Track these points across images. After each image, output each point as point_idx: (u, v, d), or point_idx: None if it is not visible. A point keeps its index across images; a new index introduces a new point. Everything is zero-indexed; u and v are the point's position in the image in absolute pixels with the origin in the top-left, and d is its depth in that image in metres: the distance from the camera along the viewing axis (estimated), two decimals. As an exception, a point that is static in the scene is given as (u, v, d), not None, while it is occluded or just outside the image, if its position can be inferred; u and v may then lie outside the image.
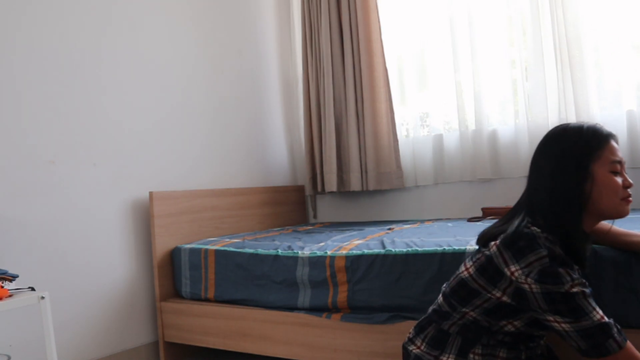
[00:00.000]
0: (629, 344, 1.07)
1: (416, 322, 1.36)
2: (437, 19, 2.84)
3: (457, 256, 1.60)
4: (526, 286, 1.09)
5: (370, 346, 1.71)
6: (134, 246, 2.30)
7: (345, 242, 1.99)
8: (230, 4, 2.96)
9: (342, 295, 1.79)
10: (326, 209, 3.27)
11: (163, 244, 2.30)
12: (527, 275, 1.09)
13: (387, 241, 1.88)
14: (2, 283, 1.53)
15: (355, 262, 1.78)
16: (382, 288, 1.72)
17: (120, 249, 2.25)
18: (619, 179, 1.17)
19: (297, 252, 1.94)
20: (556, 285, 1.07)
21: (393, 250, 1.74)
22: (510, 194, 2.61)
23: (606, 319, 1.07)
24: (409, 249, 1.71)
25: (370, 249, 1.80)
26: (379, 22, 2.88)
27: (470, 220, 2.43)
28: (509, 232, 1.14)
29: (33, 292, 1.58)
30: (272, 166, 3.15)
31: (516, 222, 1.17)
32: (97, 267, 2.15)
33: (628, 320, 1.32)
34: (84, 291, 2.10)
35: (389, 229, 2.33)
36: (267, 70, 3.18)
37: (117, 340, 2.20)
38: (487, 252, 1.17)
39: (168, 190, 2.40)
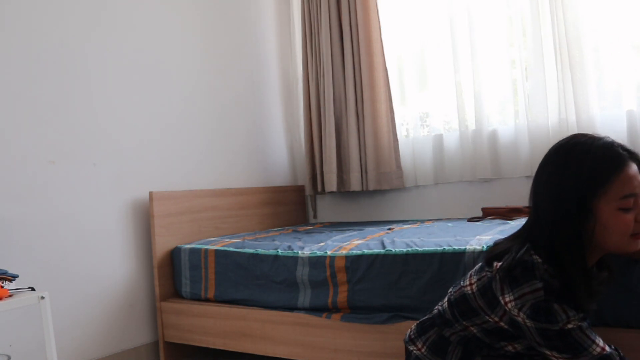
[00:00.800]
0: None
1: (417, 321, 1.34)
2: (437, 19, 2.83)
3: (457, 256, 1.60)
4: (519, 319, 1.04)
5: (370, 346, 1.71)
6: (134, 246, 2.30)
7: (345, 242, 1.99)
8: (230, 5, 2.96)
9: (342, 295, 1.79)
10: (326, 209, 3.27)
11: (163, 244, 2.30)
12: (519, 309, 1.03)
13: (387, 241, 1.88)
14: (2, 283, 1.53)
15: (355, 262, 1.78)
16: (382, 288, 1.72)
17: (120, 249, 2.25)
18: (629, 215, 1.03)
19: (297, 252, 1.94)
20: (549, 323, 1.01)
21: (393, 250, 1.74)
22: (510, 194, 2.61)
23: (607, 349, 1.02)
24: (409, 249, 1.71)
25: (370, 249, 1.80)
26: (379, 22, 2.88)
27: (470, 220, 2.43)
28: (509, 257, 1.07)
29: (33, 292, 1.58)
30: (272, 166, 3.15)
31: (518, 246, 1.09)
32: (97, 267, 2.15)
33: (628, 320, 1.32)
34: (84, 291, 2.10)
35: (389, 229, 2.33)
36: (267, 71, 3.18)
37: (117, 340, 2.20)
38: (489, 274, 1.12)
39: (168, 190, 2.40)
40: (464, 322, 1.17)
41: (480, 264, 1.20)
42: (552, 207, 1.08)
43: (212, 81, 2.79)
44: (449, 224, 2.32)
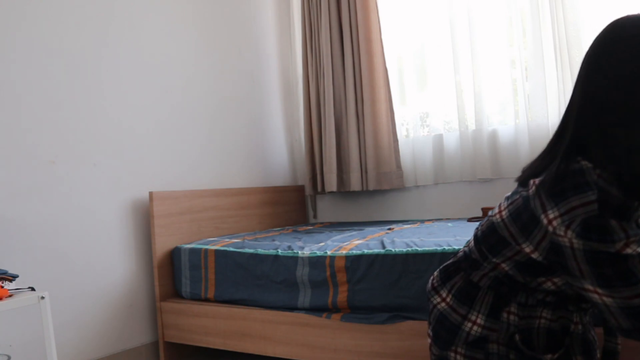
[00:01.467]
0: None
1: (439, 272, 1.16)
2: (437, 19, 2.84)
3: (457, 256, 1.60)
4: (565, 240, 0.84)
5: (370, 346, 1.71)
6: (134, 246, 2.30)
7: (345, 242, 1.99)
8: (230, 4, 2.96)
9: (342, 295, 1.79)
10: (326, 209, 3.27)
11: (163, 244, 2.30)
12: (567, 227, 0.83)
13: (387, 241, 1.88)
14: (2, 283, 1.53)
15: (355, 262, 1.78)
16: (382, 288, 1.72)
17: (120, 249, 2.25)
18: None
19: (297, 252, 1.94)
20: (603, 243, 0.81)
21: (393, 250, 1.74)
22: (510, 194, 2.61)
23: None
24: (409, 249, 1.71)
25: (370, 249, 1.80)
26: (379, 22, 2.88)
27: (470, 220, 2.43)
28: (550, 170, 0.89)
29: (33, 292, 1.58)
30: (272, 166, 3.15)
31: (558, 157, 0.90)
32: (97, 267, 2.15)
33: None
34: (84, 291, 2.10)
35: (389, 229, 2.33)
36: (267, 70, 3.18)
37: (117, 340, 2.20)
38: (524, 193, 0.93)
39: (168, 190, 2.40)
40: (494, 259, 0.99)
41: (507, 194, 1.03)
42: (625, 80, 0.85)
43: (212, 81, 2.79)
44: (449, 224, 2.32)
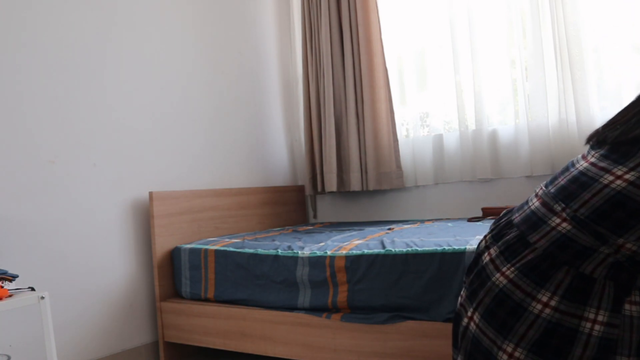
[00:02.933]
0: None
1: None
2: (437, 19, 2.84)
3: (457, 256, 1.60)
4: None
5: (370, 346, 1.71)
6: (134, 246, 2.30)
7: (345, 242, 1.99)
8: (230, 4, 2.96)
9: (342, 295, 1.79)
10: (326, 209, 3.27)
11: (163, 244, 2.31)
12: None
13: (387, 241, 1.88)
14: (2, 283, 1.53)
15: (355, 262, 1.78)
16: (382, 288, 1.72)
17: (120, 249, 2.25)
18: None
19: (297, 252, 1.94)
20: None
21: (393, 250, 1.74)
22: (510, 194, 2.61)
23: None
24: (409, 249, 1.71)
25: (370, 249, 1.80)
26: (379, 22, 2.88)
27: (470, 220, 2.43)
28: None
29: (33, 292, 1.58)
30: (272, 166, 3.15)
31: None
32: (97, 267, 2.15)
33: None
34: (84, 291, 2.10)
35: (389, 229, 2.33)
36: (267, 70, 3.18)
37: (117, 340, 2.20)
38: None
39: (168, 190, 2.40)
40: (620, 239, 0.81)
41: (596, 155, 0.85)
42: None
43: (212, 81, 2.79)
44: (449, 224, 2.32)
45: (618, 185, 0.80)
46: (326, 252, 1.87)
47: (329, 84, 2.97)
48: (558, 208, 0.88)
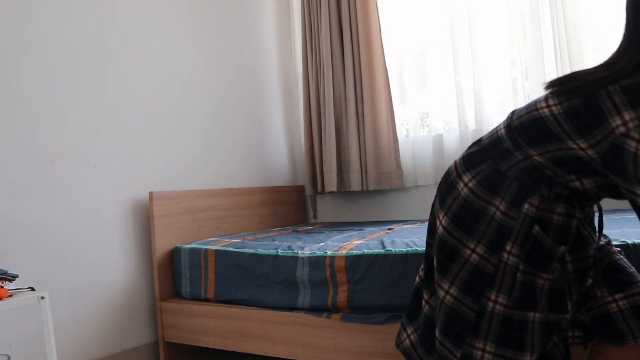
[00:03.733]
0: None
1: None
2: (437, 19, 2.84)
3: (457, 256, 1.60)
4: (632, 144, 0.86)
5: (370, 346, 1.71)
6: (133, 246, 2.30)
7: (345, 242, 1.99)
8: (230, 4, 2.96)
9: (342, 295, 1.79)
10: (326, 209, 3.27)
11: (163, 244, 2.31)
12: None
13: (387, 241, 1.88)
14: (2, 283, 1.53)
15: (355, 262, 1.78)
16: (382, 288, 1.72)
17: (120, 249, 2.25)
18: None
19: (297, 252, 1.94)
20: None
21: (393, 250, 1.74)
22: (510, 194, 2.61)
23: None
24: (409, 249, 1.71)
25: (370, 249, 1.80)
26: (379, 22, 2.88)
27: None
28: (624, 77, 0.91)
29: (33, 292, 1.58)
30: (272, 166, 3.15)
31: (633, 68, 0.92)
32: (97, 267, 2.15)
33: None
34: (84, 291, 2.10)
35: (389, 229, 2.33)
36: (267, 70, 3.18)
37: (117, 340, 2.20)
38: (587, 95, 0.95)
39: (168, 190, 2.40)
40: (529, 151, 1.02)
41: (547, 93, 1.05)
42: None
43: (212, 81, 2.79)
44: (449, 224, 2.32)
45: (544, 112, 1.00)
46: (326, 252, 1.87)
47: (329, 84, 2.97)
48: (507, 121, 1.10)
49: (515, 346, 1.02)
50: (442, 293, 1.10)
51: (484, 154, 1.10)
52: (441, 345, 1.10)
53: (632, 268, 1.14)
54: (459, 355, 1.06)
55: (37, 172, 1.99)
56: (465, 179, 1.09)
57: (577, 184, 0.99)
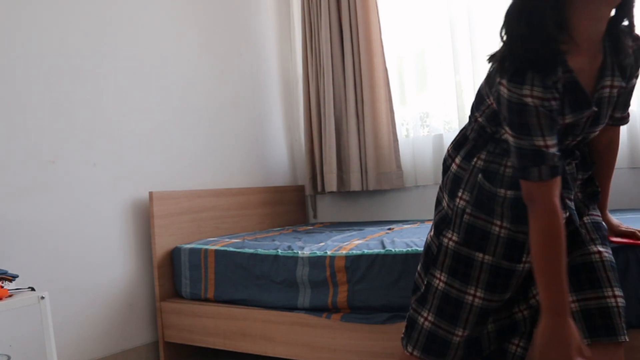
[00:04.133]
0: (551, 183, 1.06)
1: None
2: (437, 19, 2.83)
3: (457, 256, 1.60)
4: (503, 90, 1.09)
5: (370, 346, 1.71)
6: (133, 246, 2.30)
7: (345, 242, 1.99)
8: (230, 4, 2.96)
9: (342, 295, 1.79)
10: (326, 209, 3.27)
11: (163, 244, 2.30)
12: (500, 75, 1.12)
13: (387, 241, 1.88)
14: (2, 283, 1.53)
15: (355, 262, 1.78)
16: (382, 288, 1.72)
17: (120, 249, 2.25)
18: None
19: (297, 252, 1.94)
20: (516, 86, 1.05)
21: (393, 250, 1.74)
22: (510, 194, 2.61)
23: (550, 150, 1.06)
24: (409, 249, 1.71)
25: (370, 249, 1.80)
26: (379, 22, 2.88)
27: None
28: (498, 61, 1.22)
29: (33, 292, 1.58)
30: (272, 166, 3.15)
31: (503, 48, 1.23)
32: (97, 267, 2.15)
33: (628, 319, 1.31)
34: (84, 291, 2.10)
35: (389, 229, 2.33)
36: (267, 70, 3.18)
37: (117, 340, 2.20)
38: (491, 69, 1.23)
39: (168, 190, 2.40)
40: (476, 114, 1.25)
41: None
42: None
43: (212, 81, 2.79)
44: (449, 224, 2.32)
45: (482, 87, 1.23)
46: (326, 252, 1.87)
47: (329, 84, 2.97)
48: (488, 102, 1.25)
49: (462, 279, 1.22)
50: (428, 236, 1.37)
51: (463, 133, 1.34)
52: (417, 275, 1.35)
53: (606, 274, 1.18)
54: (425, 282, 1.30)
55: (37, 172, 1.99)
56: (457, 160, 1.31)
57: (506, 136, 1.15)
